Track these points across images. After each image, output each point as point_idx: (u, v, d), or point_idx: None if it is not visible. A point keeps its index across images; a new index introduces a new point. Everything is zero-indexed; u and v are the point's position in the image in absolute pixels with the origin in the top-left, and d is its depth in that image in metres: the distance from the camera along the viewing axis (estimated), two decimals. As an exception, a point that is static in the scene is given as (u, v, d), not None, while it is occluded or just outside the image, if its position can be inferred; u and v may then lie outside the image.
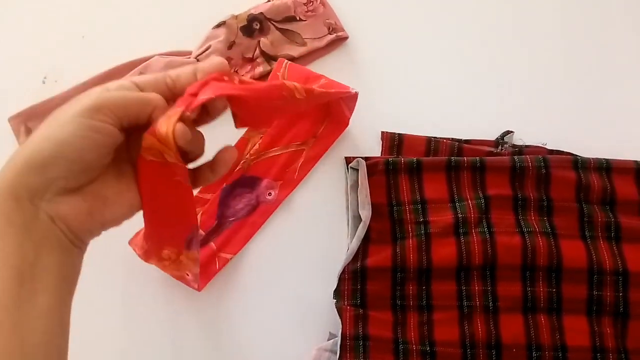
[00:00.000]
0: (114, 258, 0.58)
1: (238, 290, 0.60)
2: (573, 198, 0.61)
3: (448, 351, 0.56)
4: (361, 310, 0.57)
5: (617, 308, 0.57)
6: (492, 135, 0.64)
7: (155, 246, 0.50)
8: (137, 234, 0.57)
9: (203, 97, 0.37)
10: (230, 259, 0.60)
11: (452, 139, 0.65)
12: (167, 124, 0.40)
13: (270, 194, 0.62)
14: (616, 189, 0.61)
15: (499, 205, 0.60)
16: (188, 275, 0.55)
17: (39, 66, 0.65)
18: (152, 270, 0.55)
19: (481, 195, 0.61)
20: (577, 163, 0.62)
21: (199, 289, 0.58)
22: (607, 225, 0.60)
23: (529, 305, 0.57)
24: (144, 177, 0.39)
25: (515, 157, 0.62)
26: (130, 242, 0.57)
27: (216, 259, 0.60)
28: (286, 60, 0.63)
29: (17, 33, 0.67)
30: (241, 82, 0.41)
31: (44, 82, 0.64)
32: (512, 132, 0.65)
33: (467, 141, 0.65)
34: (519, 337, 0.56)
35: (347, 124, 0.64)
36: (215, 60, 0.39)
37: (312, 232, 0.62)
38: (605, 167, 0.62)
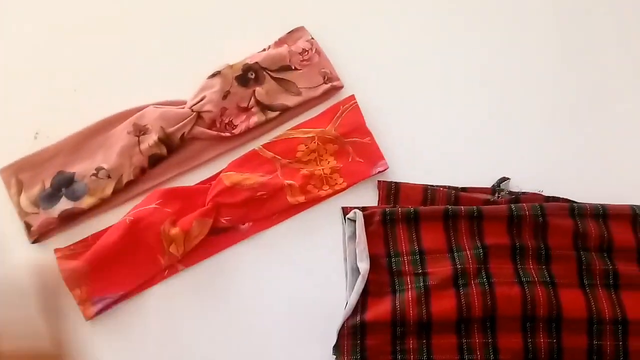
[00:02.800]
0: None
1: (234, 342, 0.57)
2: (571, 246, 0.59)
3: (451, 407, 0.54)
4: (361, 366, 0.56)
5: (617, 357, 0.56)
6: (489, 182, 0.63)
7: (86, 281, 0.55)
8: (73, 257, 0.57)
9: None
10: (181, 270, 0.59)
11: (449, 187, 0.63)
12: (200, 232, 0.54)
13: (244, 223, 0.60)
14: (613, 236, 0.59)
15: (498, 255, 0.59)
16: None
17: (30, 122, 0.63)
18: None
19: (479, 244, 0.59)
20: (574, 210, 0.60)
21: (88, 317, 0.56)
22: (605, 272, 0.58)
23: (530, 357, 0.55)
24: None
25: (512, 205, 0.60)
26: (57, 255, 0.57)
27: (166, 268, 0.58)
28: (354, 101, 0.63)
29: (9, 89, 0.65)
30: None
31: (35, 138, 0.62)
32: (508, 179, 0.63)
33: (463, 189, 0.63)
34: (522, 391, 0.55)
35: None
36: None
37: (310, 283, 0.59)
38: (602, 214, 0.60)
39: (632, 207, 0.61)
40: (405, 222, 0.61)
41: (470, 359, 0.56)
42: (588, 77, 0.68)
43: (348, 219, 0.61)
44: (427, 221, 0.61)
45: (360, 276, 0.58)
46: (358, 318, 0.57)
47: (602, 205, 0.61)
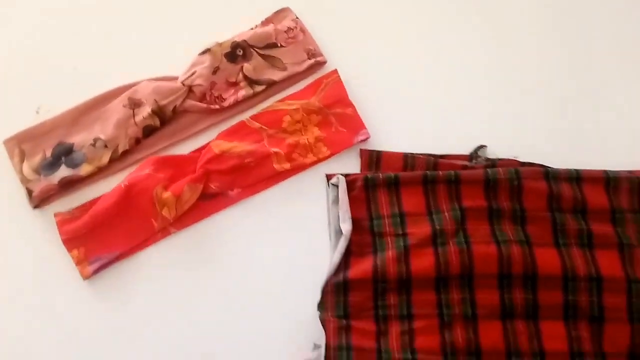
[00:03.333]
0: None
1: (224, 301, 0.60)
2: (545, 207, 0.62)
3: (429, 358, 0.56)
4: (344, 321, 0.57)
5: (592, 312, 0.57)
6: (467, 150, 0.66)
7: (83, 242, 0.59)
8: (71, 221, 0.60)
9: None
10: (173, 233, 0.62)
11: (428, 154, 0.66)
12: (191, 197, 0.58)
13: (232, 189, 0.63)
14: (587, 198, 0.62)
15: (475, 216, 0.61)
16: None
17: (33, 97, 0.67)
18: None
19: (457, 207, 0.62)
20: (548, 174, 0.62)
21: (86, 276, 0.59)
22: (579, 232, 0.60)
23: (507, 312, 0.57)
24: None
25: (489, 169, 0.63)
26: (57, 218, 0.60)
27: (159, 231, 0.61)
28: (337, 74, 0.67)
29: (13, 68, 0.69)
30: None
31: (37, 112, 0.66)
32: (485, 146, 0.66)
33: (442, 156, 0.66)
34: (498, 344, 0.56)
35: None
36: None
37: (296, 246, 0.62)
38: (576, 177, 0.63)
39: (605, 171, 0.63)
40: (386, 187, 0.63)
41: (448, 313, 0.58)
42: (566, 47, 0.71)
43: (331, 184, 0.64)
44: (407, 186, 0.63)
45: (342, 236, 0.61)
46: (341, 276, 0.59)
47: (576, 170, 0.63)
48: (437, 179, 0.63)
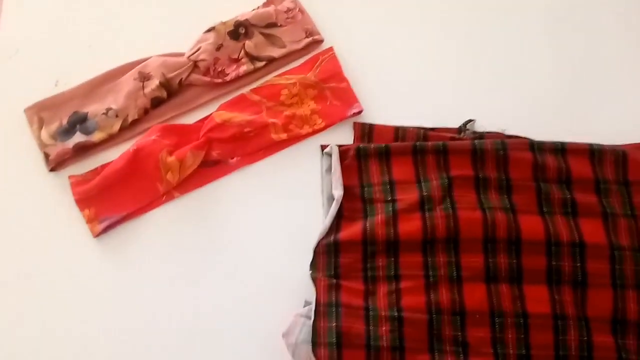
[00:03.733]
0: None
1: (222, 262, 0.64)
2: (530, 177, 0.64)
3: (415, 316, 0.58)
4: (334, 281, 0.60)
5: (576, 277, 0.59)
6: (456, 124, 0.69)
7: (94, 202, 0.63)
8: (84, 183, 0.65)
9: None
10: (176, 197, 0.66)
11: (418, 127, 0.69)
12: (193, 162, 0.62)
13: (232, 157, 0.67)
14: (571, 169, 0.63)
15: (462, 185, 0.63)
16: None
17: (52, 72, 0.72)
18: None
19: (445, 175, 0.64)
20: (534, 145, 0.64)
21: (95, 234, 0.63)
22: (563, 201, 0.62)
23: (491, 275, 0.59)
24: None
25: (476, 141, 0.65)
26: (71, 180, 0.65)
27: (164, 194, 0.65)
28: (332, 52, 0.70)
29: (34, 44, 0.75)
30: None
31: (56, 85, 0.71)
32: (473, 120, 0.69)
33: (432, 129, 0.69)
34: (482, 305, 0.59)
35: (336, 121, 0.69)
36: None
37: (291, 211, 0.66)
38: (561, 149, 0.65)
39: (590, 144, 0.65)
40: (377, 156, 0.66)
41: (434, 275, 0.60)
42: (555, 23, 0.74)
43: (325, 153, 0.67)
44: (398, 156, 0.66)
45: (334, 201, 0.64)
46: (332, 238, 0.62)
47: (561, 142, 0.65)
48: (426, 149, 0.66)
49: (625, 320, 0.58)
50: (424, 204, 0.63)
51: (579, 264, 0.60)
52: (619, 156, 0.64)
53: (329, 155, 0.67)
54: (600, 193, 0.63)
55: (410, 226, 0.62)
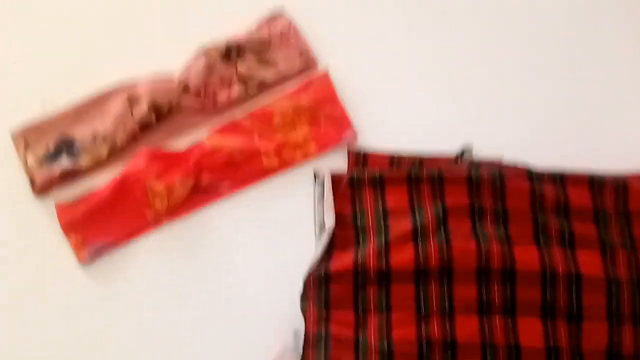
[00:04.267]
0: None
1: (211, 290, 0.63)
2: (528, 207, 0.62)
3: (405, 350, 0.57)
4: (324, 311, 0.60)
5: (571, 310, 0.58)
6: (454, 150, 0.67)
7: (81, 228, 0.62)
8: (70, 209, 0.64)
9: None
10: (165, 223, 0.65)
11: (414, 156, 0.67)
12: (182, 190, 0.60)
13: (223, 183, 0.66)
14: (570, 198, 0.62)
15: (456, 214, 0.62)
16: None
17: (39, 92, 0.71)
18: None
19: (440, 204, 0.63)
20: (532, 175, 0.64)
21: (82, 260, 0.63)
22: (561, 232, 0.61)
23: (484, 307, 0.58)
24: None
25: (472, 170, 0.64)
26: (58, 206, 0.64)
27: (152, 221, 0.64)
28: (327, 75, 0.69)
29: (22, 65, 0.74)
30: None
31: (43, 106, 0.69)
32: (470, 149, 0.67)
33: (427, 159, 0.68)
34: (474, 337, 0.57)
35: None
36: None
37: (283, 240, 0.65)
38: (560, 178, 0.64)
39: (590, 175, 0.64)
40: (371, 184, 0.65)
41: (426, 307, 0.59)
42: (555, 44, 0.73)
43: (318, 181, 0.67)
44: (392, 184, 0.65)
45: (326, 231, 0.63)
46: (323, 269, 0.61)
47: (560, 172, 0.64)
48: (421, 177, 0.65)
49: (621, 355, 0.57)
50: (417, 234, 0.62)
51: (574, 297, 0.59)
52: (620, 185, 0.63)
53: (322, 182, 0.66)
54: (599, 223, 0.62)
55: (403, 257, 0.61)
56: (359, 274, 0.61)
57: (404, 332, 0.58)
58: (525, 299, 0.59)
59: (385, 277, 0.60)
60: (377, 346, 0.58)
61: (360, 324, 0.59)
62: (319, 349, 0.58)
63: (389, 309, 0.60)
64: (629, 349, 0.57)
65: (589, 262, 0.60)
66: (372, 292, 0.60)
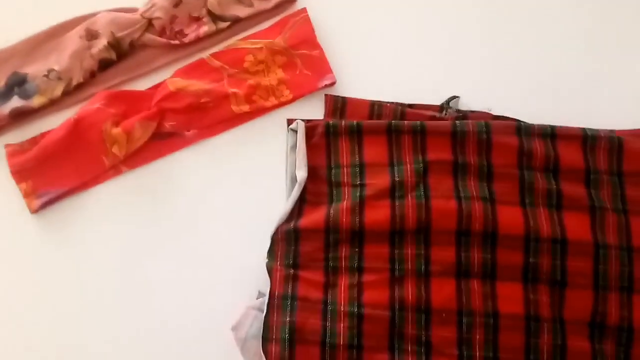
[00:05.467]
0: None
1: (172, 245, 0.60)
2: (515, 164, 0.58)
3: (376, 313, 0.55)
4: (292, 271, 0.56)
5: (554, 276, 0.55)
6: (438, 101, 0.63)
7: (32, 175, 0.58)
8: (21, 153, 0.59)
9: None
10: (124, 172, 0.61)
11: (397, 103, 0.64)
12: (143, 134, 0.57)
13: (188, 130, 0.62)
14: (560, 156, 0.58)
15: (438, 170, 0.58)
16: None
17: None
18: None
19: (420, 159, 0.59)
20: (521, 129, 0.59)
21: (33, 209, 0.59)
22: (548, 192, 0.57)
23: (462, 270, 0.55)
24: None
25: (457, 121, 0.60)
26: (7, 150, 0.60)
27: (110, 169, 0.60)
28: (305, 13, 0.64)
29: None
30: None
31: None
32: (457, 97, 0.63)
33: (411, 106, 0.63)
34: (450, 302, 0.55)
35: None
36: None
37: (250, 192, 0.61)
38: (550, 134, 0.59)
39: (584, 129, 0.60)
40: (348, 135, 0.61)
41: (401, 268, 0.56)
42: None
43: (291, 129, 0.62)
44: (370, 135, 0.61)
45: (297, 183, 0.59)
46: (292, 224, 0.58)
47: (551, 126, 0.60)
48: (402, 128, 0.60)
49: (604, 324, 0.55)
50: (394, 191, 0.58)
51: (558, 262, 0.55)
52: (614, 144, 0.59)
53: (295, 131, 0.61)
54: (590, 184, 0.58)
55: (378, 215, 0.57)
56: (330, 231, 0.57)
57: (376, 294, 0.56)
58: (506, 263, 0.56)
59: (358, 235, 0.57)
60: (347, 309, 0.55)
61: (329, 284, 0.56)
62: (284, 310, 0.55)
63: (360, 270, 0.57)
64: (615, 319, 0.55)
65: (577, 226, 0.57)
66: (343, 252, 0.57)
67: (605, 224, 0.57)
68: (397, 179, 0.58)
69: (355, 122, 0.61)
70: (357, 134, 0.61)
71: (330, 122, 0.61)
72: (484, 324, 0.54)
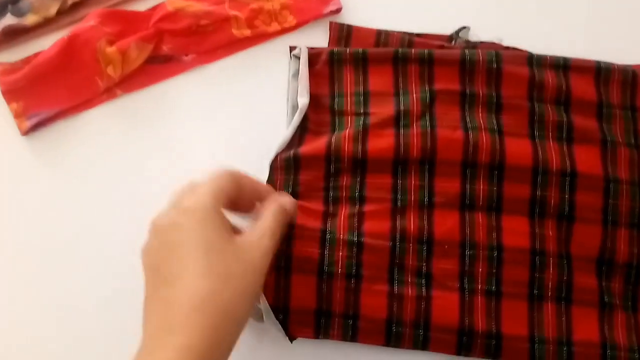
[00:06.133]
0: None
1: (167, 172, 0.58)
2: (525, 95, 0.56)
3: (376, 243, 0.53)
4: (291, 199, 0.55)
5: (562, 210, 0.53)
6: (448, 31, 0.61)
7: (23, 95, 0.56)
8: (13, 72, 0.58)
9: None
10: (119, 95, 0.59)
11: (404, 32, 0.61)
12: (139, 55, 0.55)
13: (187, 54, 0.60)
14: (572, 88, 0.56)
15: (445, 100, 0.56)
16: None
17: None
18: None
19: (427, 89, 0.57)
20: (532, 60, 0.57)
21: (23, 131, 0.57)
22: (559, 125, 0.55)
23: (467, 203, 0.54)
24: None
25: (466, 50, 0.58)
26: None
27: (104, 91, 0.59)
28: None
29: None
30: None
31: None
32: (468, 27, 0.61)
33: (419, 35, 0.61)
34: (453, 234, 0.53)
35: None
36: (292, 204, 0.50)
37: (250, 120, 0.59)
38: (563, 65, 0.57)
39: (597, 62, 0.58)
40: (352, 63, 0.59)
41: (403, 199, 0.54)
42: None
43: (293, 55, 0.60)
44: (376, 63, 0.59)
45: (298, 110, 0.57)
46: (292, 152, 0.56)
47: (565, 57, 0.58)
48: (409, 57, 0.58)
49: (613, 261, 0.53)
50: (399, 120, 0.56)
51: (567, 196, 0.53)
52: (628, 77, 0.57)
53: (297, 58, 0.59)
54: (602, 118, 0.56)
55: (381, 143, 0.55)
56: (331, 159, 0.55)
57: (377, 224, 0.54)
58: (512, 196, 0.54)
59: (360, 164, 0.55)
60: (346, 238, 0.53)
61: (329, 214, 0.55)
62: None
63: (362, 200, 0.55)
64: (623, 255, 0.53)
65: (587, 159, 0.54)
66: (344, 181, 0.55)
67: (617, 159, 0.55)
68: (402, 108, 0.56)
69: (360, 49, 0.59)
70: (362, 62, 0.59)
71: (335, 49, 0.59)
72: (487, 257, 0.53)
